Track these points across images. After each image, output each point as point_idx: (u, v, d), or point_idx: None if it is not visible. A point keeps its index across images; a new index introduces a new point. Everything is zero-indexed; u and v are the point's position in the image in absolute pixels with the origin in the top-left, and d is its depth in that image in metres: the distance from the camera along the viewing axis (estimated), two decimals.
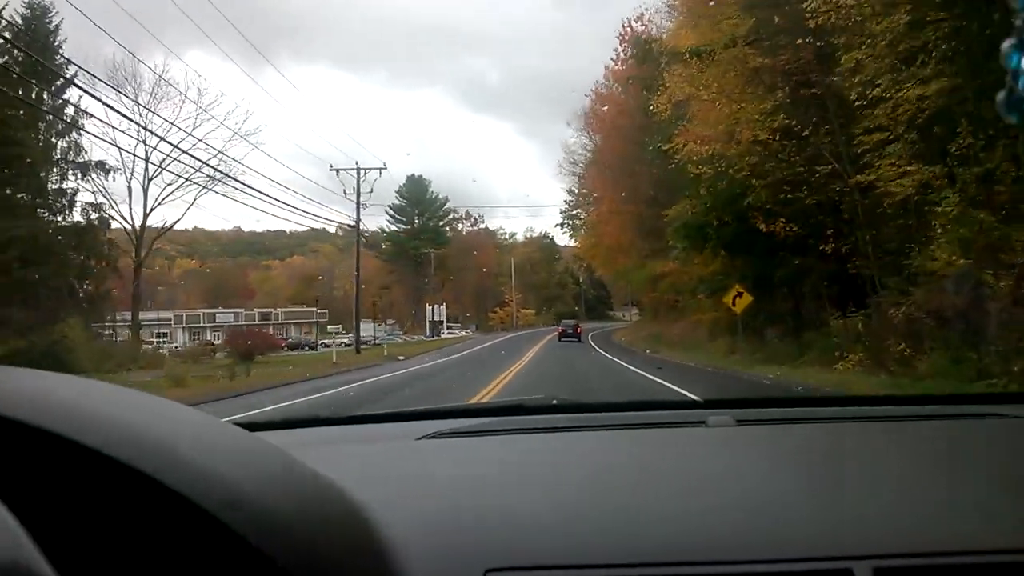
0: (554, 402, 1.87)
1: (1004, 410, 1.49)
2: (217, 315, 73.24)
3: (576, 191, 68.70)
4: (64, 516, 0.46)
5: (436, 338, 69.49)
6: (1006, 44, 0.51)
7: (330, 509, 0.62)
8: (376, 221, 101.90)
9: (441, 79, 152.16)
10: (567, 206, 73.92)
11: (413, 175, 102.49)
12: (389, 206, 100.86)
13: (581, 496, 0.91)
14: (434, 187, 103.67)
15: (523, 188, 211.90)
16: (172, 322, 71.20)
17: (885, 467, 1.07)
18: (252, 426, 1.48)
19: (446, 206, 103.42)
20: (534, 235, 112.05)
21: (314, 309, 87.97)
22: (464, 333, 78.98)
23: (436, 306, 74.81)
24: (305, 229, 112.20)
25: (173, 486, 0.48)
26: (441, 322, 76.11)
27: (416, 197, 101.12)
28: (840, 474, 1.03)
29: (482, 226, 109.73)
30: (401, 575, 0.66)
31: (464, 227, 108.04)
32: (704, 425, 1.39)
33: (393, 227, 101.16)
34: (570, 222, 73.18)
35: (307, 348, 64.54)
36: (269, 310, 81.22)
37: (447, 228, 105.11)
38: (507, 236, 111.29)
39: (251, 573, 0.49)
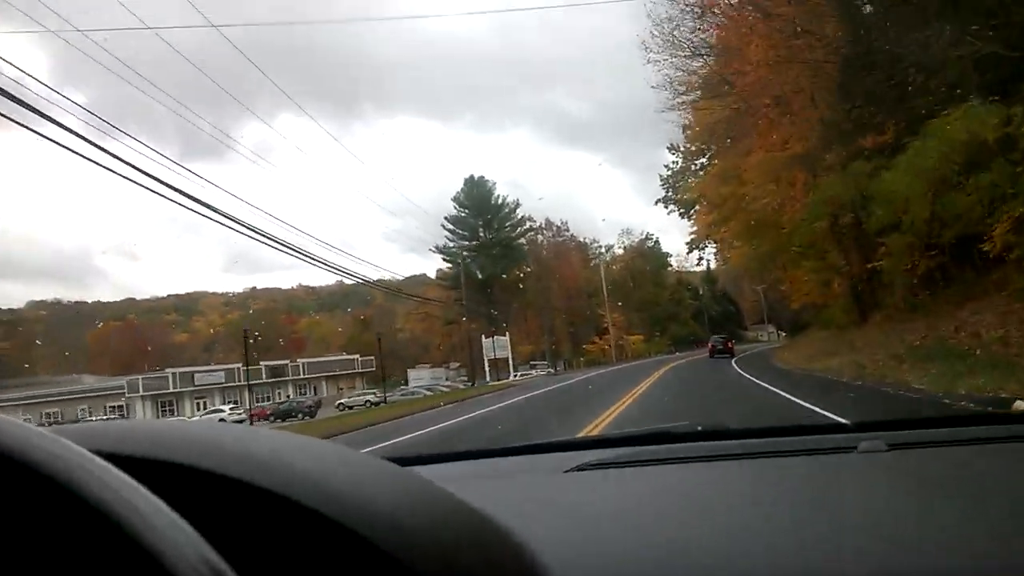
0: (699, 428, 1.83)
1: None
2: (195, 375, 52.50)
3: (683, 147, 45.26)
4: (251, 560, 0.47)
5: (475, 385, 47.14)
6: None
7: (488, 540, 0.63)
8: (434, 238, 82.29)
9: (528, 117, 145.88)
10: (668, 170, 50.76)
11: (472, 176, 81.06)
12: (446, 218, 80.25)
13: (730, 526, 0.91)
14: (502, 189, 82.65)
15: (620, 218, 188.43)
16: (126, 390, 51.10)
17: None
18: (402, 460, 1.50)
19: (519, 213, 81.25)
20: (633, 240, 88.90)
21: (355, 357, 68.40)
22: (534, 373, 56.28)
23: (494, 339, 52.28)
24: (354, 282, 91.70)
25: (350, 525, 0.50)
26: (506, 360, 53.47)
27: (478, 204, 79.76)
28: (1001, 499, 0.97)
29: (567, 235, 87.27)
30: None
31: (544, 239, 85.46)
32: (855, 451, 1.36)
33: (452, 245, 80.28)
34: (675, 195, 49.95)
35: (302, 416, 43.29)
36: (283, 362, 60.33)
37: (522, 241, 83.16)
38: (601, 248, 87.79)
39: None
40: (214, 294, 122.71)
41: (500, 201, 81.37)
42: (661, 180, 54.77)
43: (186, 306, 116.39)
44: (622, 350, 73.11)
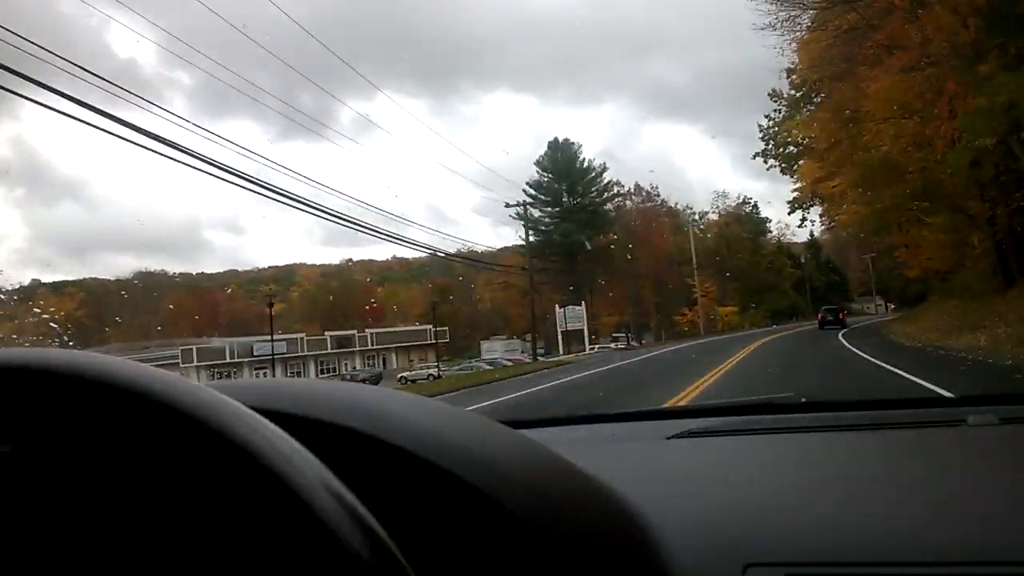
0: (803, 400, 1.84)
1: None
2: (254, 345, 50.09)
3: (786, 92, 39.70)
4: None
5: (547, 359, 42.90)
6: None
7: (601, 502, 0.66)
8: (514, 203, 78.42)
9: (625, 88, 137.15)
10: (770, 120, 45.22)
11: (556, 139, 76.41)
12: (528, 183, 75.96)
13: (836, 496, 0.91)
14: (588, 153, 77.70)
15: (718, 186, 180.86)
16: (180, 359, 49.08)
17: None
18: (513, 423, 1.52)
19: (605, 178, 76.23)
20: (729, 204, 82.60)
21: (427, 327, 65.24)
22: (612, 347, 51.68)
23: (566, 309, 47.91)
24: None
25: (478, 484, 0.52)
26: (581, 332, 48.92)
27: (562, 168, 75.18)
28: None
29: (657, 200, 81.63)
30: (665, 567, 0.68)
31: (633, 204, 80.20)
32: (964, 424, 1.32)
33: (536, 211, 75.95)
34: (775, 148, 44.46)
35: None
36: (350, 333, 57.57)
37: (609, 207, 78.13)
38: (695, 215, 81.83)
39: (524, 553, 0.52)
40: (312, 266, 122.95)
41: (586, 164, 76.55)
42: (760, 131, 49.04)
43: (285, 277, 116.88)
44: (714, 323, 67.58)
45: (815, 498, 0.90)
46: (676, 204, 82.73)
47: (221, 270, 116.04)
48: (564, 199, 75.72)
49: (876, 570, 0.70)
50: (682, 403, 10.74)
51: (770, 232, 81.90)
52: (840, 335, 32.08)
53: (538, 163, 75.90)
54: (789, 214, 49.72)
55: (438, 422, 0.59)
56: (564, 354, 47.72)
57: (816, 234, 73.72)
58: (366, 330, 61.01)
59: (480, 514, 0.52)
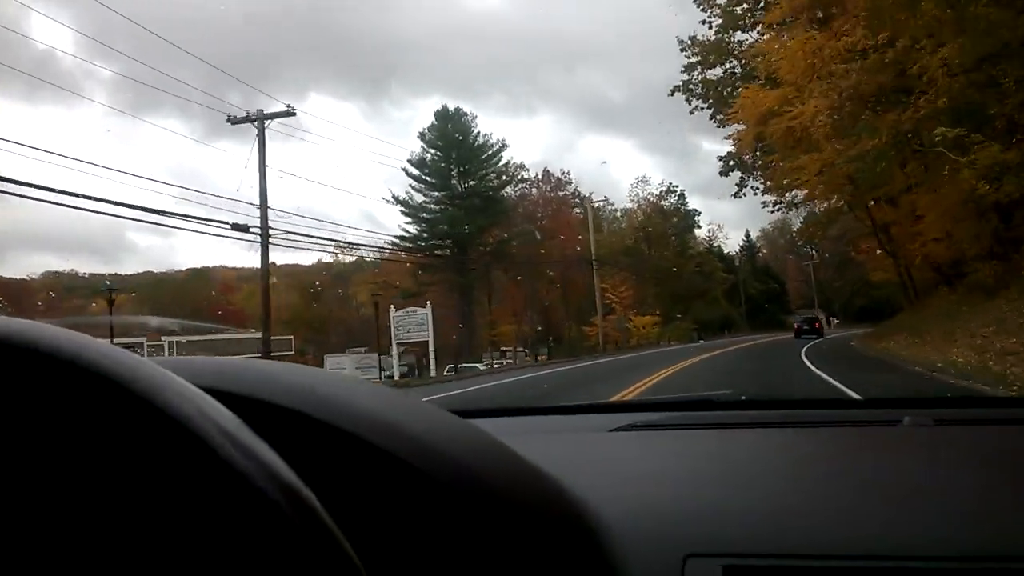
0: (743, 398, 1.88)
1: None
2: None
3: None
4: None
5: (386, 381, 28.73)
6: None
7: (540, 486, 0.67)
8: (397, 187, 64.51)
9: (560, 100, 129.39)
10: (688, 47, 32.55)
11: (446, 108, 62.49)
12: (410, 160, 62.07)
13: (774, 490, 0.93)
14: (484, 127, 64.01)
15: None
16: None
17: None
18: (464, 413, 1.56)
19: (504, 157, 62.63)
20: (650, 192, 69.78)
21: (269, 337, 50.46)
22: (482, 366, 38.36)
23: (405, 313, 33.84)
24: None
25: (417, 465, 0.54)
26: (425, 344, 34.46)
27: (451, 142, 61.34)
28: None
29: (571, 189, 68.45)
30: (605, 555, 0.70)
31: (540, 193, 66.74)
32: (900, 424, 1.36)
33: (420, 196, 62.00)
34: (698, 86, 31.78)
35: None
36: (140, 340, 42.46)
37: (509, 192, 64.66)
38: (613, 207, 68.39)
39: (466, 531, 0.54)
40: (230, 268, 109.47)
41: (480, 140, 62.88)
42: (681, 48, 35.50)
43: (196, 279, 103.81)
44: (629, 334, 54.48)
45: (754, 492, 0.91)
46: (591, 193, 69.58)
47: (140, 271, 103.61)
48: (453, 181, 61.93)
49: (812, 562, 0.71)
50: None
51: (698, 227, 69.32)
52: (806, 357, 19.57)
53: (422, 136, 61.93)
54: (722, 174, 36.76)
55: (386, 407, 0.59)
56: (434, 374, 33.98)
57: (764, 209, 60.70)
58: (163, 337, 45.87)
59: (422, 495, 0.53)
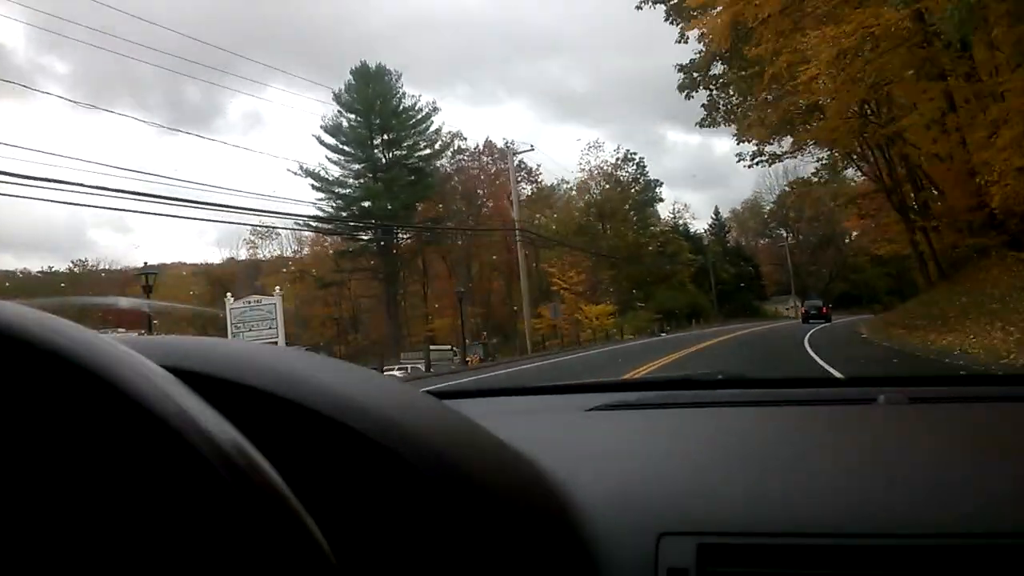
0: (720, 376, 1.89)
1: None
2: None
3: None
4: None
5: None
6: None
7: (514, 467, 0.68)
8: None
9: (525, 90, 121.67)
10: None
11: (366, 65, 53.02)
12: (323, 126, 52.71)
13: (750, 469, 0.94)
14: (409, 87, 54.55)
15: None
16: None
17: None
18: (437, 394, 1.52)
19: (434, 121, 53.41)
20: (605, 159, 60.29)
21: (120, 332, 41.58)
22: (398, 372, 28.98)
23: (247, 304, 24.40)
24: None
25: (397, 449, 0.53)
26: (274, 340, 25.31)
27: (372, 106, 52.00)
28: (1014, 454, 1.02)
29: (519, 161, 59.51)
30: (579, 534, 0.71)
31: (480, 166, 57.63)
32: (876, 403, 1.38)
33: (337, 169, 52.65)
34: None
35: None
36: None
37: (443, 165, 55.56)
38: (562, 182, 59.03)
39: (437, 512, 0.54)
40: (189, 264, 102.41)
41: (405, 103, 53.67)
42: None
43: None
44: (580, 327, 45.69)
45: (730, 471, 0.92)
46: (537, 166, 60.45)
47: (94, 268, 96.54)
48: (376, 151, 52.67)
49: (785, 540, 0.72)
50: None
51: (660, 200, 60.14)
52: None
53: (338, 98, 52.50)
54: (682, 89, 27.68)
55: (355, 386, 0.59)
56: None
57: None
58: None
59: (394, 476, 0.53)
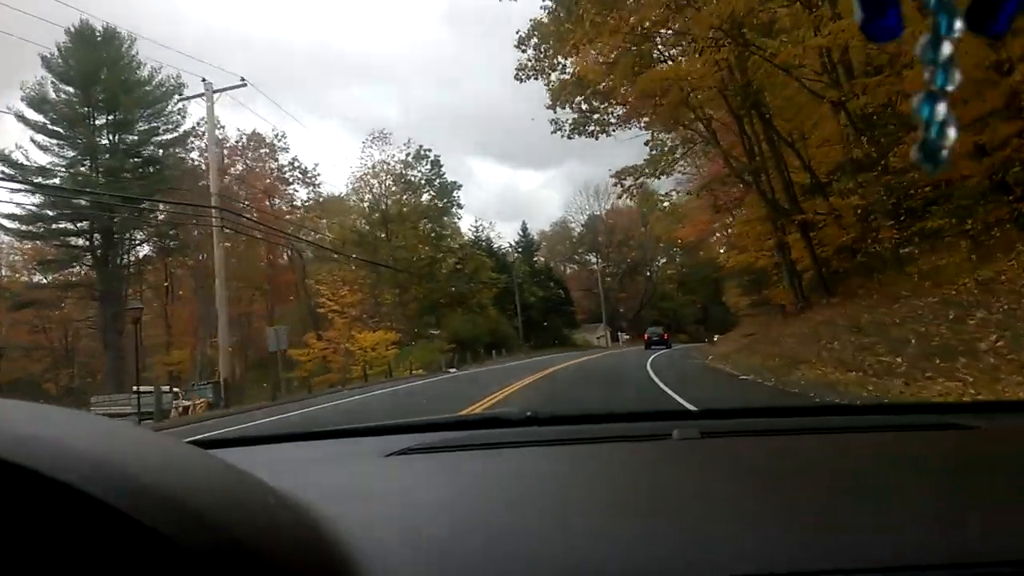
0: (528, 414, 1.85)
1: (962, 420, 1.53)
2: None
3: None
4: None
5: None
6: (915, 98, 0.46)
7: (292, 525, 0.62)
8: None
9: (334, 111, 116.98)
10: None
11: (86, 23, 41.03)
12: (24, 99, 40.19)
13: (545, 517, 0.93)
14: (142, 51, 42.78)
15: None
16: None
17: (841, 479, 1.10)
18: (211, 443, 1.57)
19: (177, 98, 42.12)
20: (393, 154, 50.50)
21: None
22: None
23: None
24: None
25: (127, 510, 0.46)
26: None
27: (93, 75, 40.03)
28: (795, 488, 1.06)
29: (289, 161, 48.88)
30: None
31: (242, 162, 46.70)
32: (670, 438, 1.43)
33: (44, 154, 40.09)
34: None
35: None
36: None
37: (188, 157, 44.37)
38: (353, 193, 48.71)
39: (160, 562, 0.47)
40: None
41: (141, 75, 42.19)
42: None
43: None
44: (352, 358, 36.04)
45: (527, 515, 0.92)
46: (315, 168, 50.15)
47: None
48: (97, 134, 40.75)
49: None
50: None
51: (460, 207, 51.05)
52: None
53: (47, 63, 40.24)
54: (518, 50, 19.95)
55: (97, 443, 0.52)
56: None
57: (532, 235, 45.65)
58: None
59: (140, 549, 0.46)
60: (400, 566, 0.73)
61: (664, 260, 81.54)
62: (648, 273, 79.63)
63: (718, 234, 31.60)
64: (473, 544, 0.81)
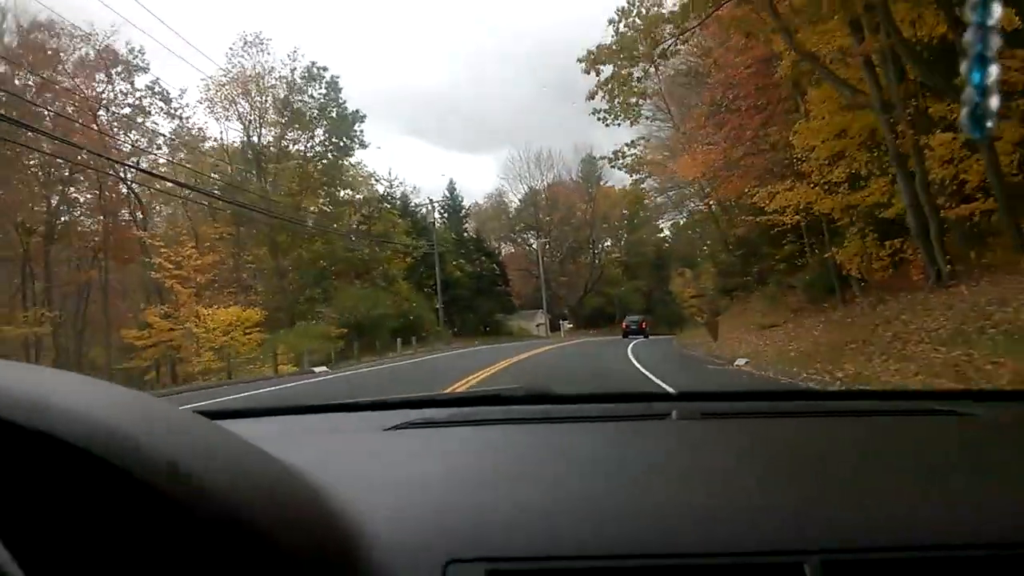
0: (529, 393, 1.87)
1: (962, 407, 1.56)
2: None
3: None
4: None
5: None
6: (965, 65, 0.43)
7: (291, 494, 0.64)
8: None
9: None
10: None
11: None
12: None
13: (545, 489, 0.94)
14: None
15: None
16: None
17: (840, 462, 1.12)
18: (215, 414, 1.55)
19: None
20: (280, 75, 37.00)
21: None
22: None
23: None
24: None
25: (135, 472, 0.48)
26: None
27: None
28: (796, 469, 1.08)
29: (140, 60, 37.18)
30: (364, 564, 0.68)
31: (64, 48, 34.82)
32: (669, 418, 1.45)
33: None
34: None
35: None
36: None
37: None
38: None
39: (185, 539, 0.50)
40: None
41: None
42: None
43: None
44: (197, 343, 25.33)
45: (526, 491, 0.91)
46: (181, 95, 38.38)
47: None
48: None
49: (580, 563, 0.72)
50: None
51: (363, 147, 38.80)
52: None
53: None
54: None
55: (105, 410, 0.53)
56: None
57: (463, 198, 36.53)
58: None
59: (136, 501, 0.48)
60: (400, 536, 0.73)
61: (609, 242, 72.26)
62: (593, 254, 69.99)
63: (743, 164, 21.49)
64: (471, 515, 0.81)
